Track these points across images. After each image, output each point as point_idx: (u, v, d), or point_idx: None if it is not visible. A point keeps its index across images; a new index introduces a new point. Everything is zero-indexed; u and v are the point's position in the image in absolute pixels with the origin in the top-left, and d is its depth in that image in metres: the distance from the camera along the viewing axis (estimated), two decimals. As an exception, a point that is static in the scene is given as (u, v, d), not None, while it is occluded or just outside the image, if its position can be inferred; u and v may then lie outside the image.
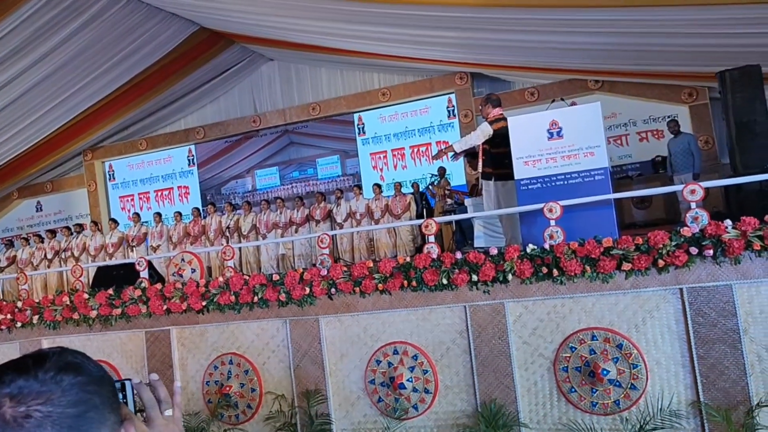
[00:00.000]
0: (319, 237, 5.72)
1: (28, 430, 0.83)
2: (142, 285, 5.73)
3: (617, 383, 4.47)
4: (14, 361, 0.91)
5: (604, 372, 4.43)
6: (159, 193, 14.70)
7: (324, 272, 5.24)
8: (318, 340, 5.32)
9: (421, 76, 13.04)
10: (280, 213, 10.98)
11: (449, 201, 9.50)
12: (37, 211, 15.11)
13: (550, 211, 4.87)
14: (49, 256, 11.21)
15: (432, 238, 5.24)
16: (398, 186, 10.80)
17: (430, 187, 10.22)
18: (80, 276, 6.23)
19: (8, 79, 10.21)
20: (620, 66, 10.17)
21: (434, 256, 5.00)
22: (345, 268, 5.23)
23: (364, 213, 10.62)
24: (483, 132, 6.32)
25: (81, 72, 10.95)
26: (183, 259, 5.83)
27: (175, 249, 10.62)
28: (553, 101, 5.85)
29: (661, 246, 4.29)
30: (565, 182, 5.36)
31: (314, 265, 9.43)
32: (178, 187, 14.60)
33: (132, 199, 14.81)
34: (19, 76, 10.29)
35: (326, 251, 5.58)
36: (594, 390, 4.53)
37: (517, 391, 4.76)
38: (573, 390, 4.61)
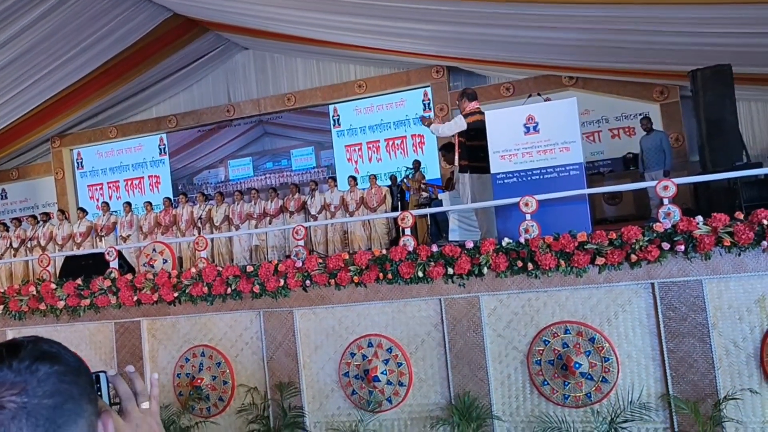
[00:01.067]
0: (294, 228, 5.66)
1: (0, 422, 0.79)
2: (112, 275, 5.61)
3: (589, 376, 4.52)
4: None
5: (576, 365, 4.48)
6: (129, 182, 14.42)
7: (299, 264, 5.19)
8: (292, 332, 5.27)
9: (398, 69, 13.01)
10: (254, 204, 10.87)
11: (424, 194, 9.50)
12: (1, 198, 14.71)
13: (526, 205, 4.90)
14: (15, 245, 10.93)
15: (408, 231, 5.23)
16: (373, 178, 10.78)
17: (405, 180, 10.20)
18: (47, 266, 6.07)
19: (-29, 61, 9.90)
20: (594, 63, 10.27)
21: (410, 248, 4.99)
22: (320, 260, 5.19)
23: (338, 205, 10.58)
24: (456, 124, 6.34)
25: (48, 57, 10.64)
26: (154, 250, 5.72)
27: (145, 239, 10.45)
28: (530, 96, 5.87)
29: (634, 241, 4.34)
30: (541, 177, 5.40)
31: (288, 256, 9.38)
32: (149, 176, 14.34)
33: (101, 188, 14.50)
34: (-17, 58, 9.98)
35: (301, 243, 5.53)
36: (566, 383, 4.58)
37: (491, 384, 4.79)
38: (546, 383, 4.65)
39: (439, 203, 7.40)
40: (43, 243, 10.70)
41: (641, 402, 4.33)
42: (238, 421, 5.31)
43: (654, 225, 4.37)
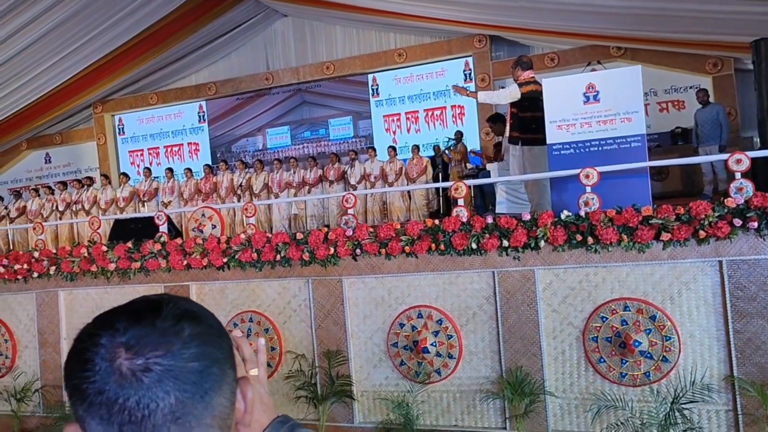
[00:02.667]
0: (344, 197, 5.59)
1: (147, 387, 0.71)
2: (162, 239, 5.62)
3: (648, 355, 4.39)
4: (123, 308, 0.78)
5: (636, 343, 4.35)
6: (169, 149, 14.51)
7: (349, 232, 5.12)
8: (341, 300, 5.23)
9: (439, 38, 12.72)
10: (293, 173, 10.83)
11: (469, 166, 9.33)
12: (45, 162, 14.94)
13: (587, 177, 4.73)
14: (60, 208, 11.11)
15: (461, 201, 5.11)
16: (416, 149, 10.62)
17: (446, 151, 10.03)
18: (98, 228, 6.11)
19: (18, 27, 9.94)
20: (645, 32, 9.87)
21: (464, 219, 4.88)
22: (371, 229, 5.11)
23: (378, 175, 10.47)
24: (510, 93, 6.14)
25: (91, 23, 10.66)
26: (203, 215, 5.71)
27: (186, 205, 10.51)
28: (589, 64, 5.64)
29: (703, 217, 4.16)
30: (600, 148, 5.21)
31: (326, 226, 9.35)
32: (188, 143, 14.40)
33: (141, 154, 14.63)
34: (29, 24, 10.01)
35: (351, 211, 5.46)
36: (624, 361, 4.46)
37: (544, 360, 4.69)
38: (602, 360, 4.54)
39: (487, 174, 7.23)
40: (87, 207, 10.84)
41: (703, 383, 4.18)
42: (285, 387, 5.32)
43: (725, 200, 4.18)
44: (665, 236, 4.27)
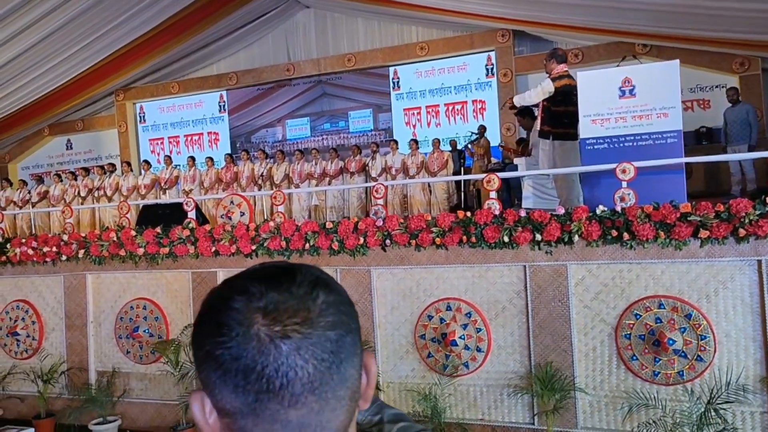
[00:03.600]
0: (374, 187, 5.57)
1: (285, 354, 0.68)
2: (190, 225, 5.62)
3: (683, 354, 4.33)
4: (254, 272, 0.75)
5: (670, 342, 4.30)
6: (189, 138, 14.56)
7: (379, 223, 5.10)
8: (369, 291, 5.22)
9: (461, 32, 12.65)
10: (315, 164, 10.82)
11: (495, 161, 9.26)
12: (67, 149, 15.05)
13: (624, 172, 4.67)
14: (83, 194, 11.17)
15: (494, 194, 5.07)
16: (437, 142, 10.57)
17: (469, 145, 9.96)
18: (126, 213, 6.13)
19: (42, 14, 9.98)
20: (671, 29, 9.74)
21: (496, 212, 4.84)
22: (401, 220, 5.08)
23: (399, 168, 10.44)
24: (543, 89, 6.07)
25: (115, 11, 10.69)
26: (232, 202, 5.71)
27: (206, 194, 10.54)
28: (624, 58, 5.56)
29: (743, 215, 4.09)
30: (634, 143, 5.14)
31: (347, 218, 9.32)
32: (208, 132, 14.45)
33: (162, 142, 14.69)
34: (53, 11, 10.05)
35: (381, 201, 5.43)
36: (657, 359, 4.41)
37: (574, 356, 4.65)
38: (635, 358, 4.49)
39: (514, 168, 7.17)
40: (109, 193, 10.90)
41: (738, 384, 4.13)
42: (311, 376, 5.31)
43: (766, 198, 4.11)
44: (703, 233, 4.20)
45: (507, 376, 4.90)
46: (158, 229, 5.62)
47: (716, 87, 10.76)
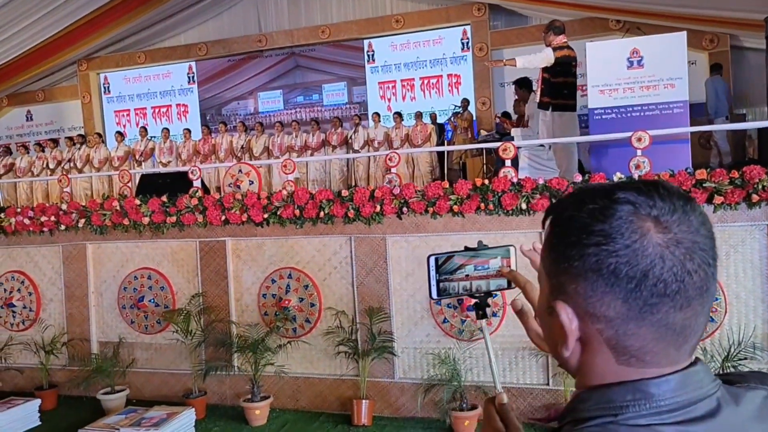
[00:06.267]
0: (387, 155, 5.56)
1: (680, 260, 0.71)
2: (197, 194, 5.50)
3: (695, 313, 4.54)
4: (619, 185, 0.77)
5: (684, 301, 4.49)
6: (156, 110, 14.11)
7: (396, 191, 5.11)
8: (384, 258, 5.23)
9: (437, 5, 12.66)
10: (296, 136, 10.69)
11: (485, 133, 9.36)
12: (27, 120, 14.35)
13: (639, 140, 4.81)
14: (51, 166, 10.72)
15: (509, 162, 5.15)
16: (419, 115, 10.60)
17: (452, 118, 10.03)
18: (128, 182, 5.93)
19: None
20: (646, 5, 9.99)
21: (513, 180, 4.92)
22: (418, 188, 5.11)
23: (382, 141, 10.43)
24: (546, 57, 6.15)
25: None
26: (240, 171, 5.61)
27: (184, 166, 10.27)
28: (628, 30, 5.70)
29: (756, 181, 4.29)
30: (641, 113, 5.31)
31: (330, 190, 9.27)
32: (177, 104, 14.04)
33: (128, 114, 14.20)
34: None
35: (394, 170, 5.44)
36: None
37: (589, 317, 4.80)
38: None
39: (511, 139, 7.27)
40: (79, 165, 10.51)
41: (750, 342, 4.36)
42: (325, 342, 5.32)
43: (779, 164, 4.32)
44: (718, 199, 4.39)
45: (522, 339, 5.00)
46: (164, 198, 5.48)
47: (688, 63, 11.13)
